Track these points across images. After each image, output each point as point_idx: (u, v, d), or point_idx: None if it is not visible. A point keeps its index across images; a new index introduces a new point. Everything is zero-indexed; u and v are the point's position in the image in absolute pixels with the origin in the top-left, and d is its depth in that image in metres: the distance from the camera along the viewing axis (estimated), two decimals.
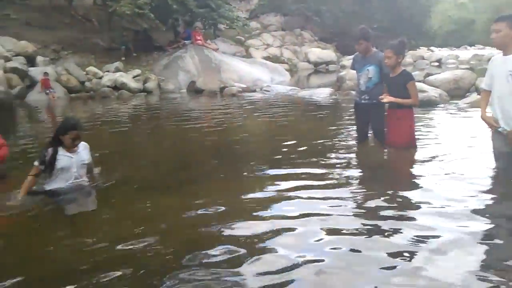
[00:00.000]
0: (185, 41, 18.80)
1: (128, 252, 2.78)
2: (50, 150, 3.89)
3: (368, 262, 2.54)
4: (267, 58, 22.83)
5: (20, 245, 3.13)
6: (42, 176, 3.97)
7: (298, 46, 27.02)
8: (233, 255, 2.67)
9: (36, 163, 3.90)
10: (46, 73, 14.80)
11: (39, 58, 16.28)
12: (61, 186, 3.94)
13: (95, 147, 4.70)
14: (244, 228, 3.10)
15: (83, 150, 4.11)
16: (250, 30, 26.10)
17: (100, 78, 16.15)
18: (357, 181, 4.26)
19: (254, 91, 15.19)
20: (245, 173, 4.64)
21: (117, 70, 16.71)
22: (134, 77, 16.55)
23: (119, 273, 2.50)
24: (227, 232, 3.04)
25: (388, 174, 4.61)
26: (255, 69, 18.80)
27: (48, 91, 14.47)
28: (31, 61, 15.92)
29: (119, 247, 2.84)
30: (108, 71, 16.63)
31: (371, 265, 2.50)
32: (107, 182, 4.39)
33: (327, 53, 26.29)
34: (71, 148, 3.98)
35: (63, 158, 3.91)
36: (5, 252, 3.03)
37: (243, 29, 23.91)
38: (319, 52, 25.96)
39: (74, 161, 3.97)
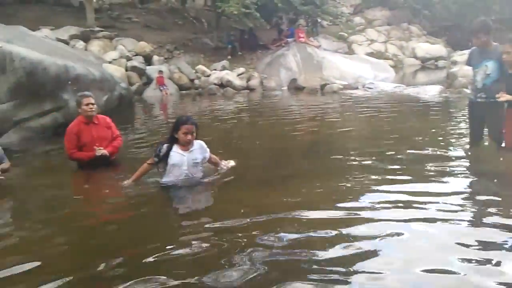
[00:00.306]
0: (288, 39, 19.02)
1: (236, 242, 2.88)
2: (165, 146, 4.04)
3: None
4: (370, 54, 22.07)
5: (130, 227, 3.43)
6: (160, 171, 4.20)
7: (404, 41, 25.63)
8: (348, 254, 2.64)
9: (153, 155, 4.16)
10: (160, 71, 16.06)
11: (155, 58, 17.70)
12: (172, 180, 4.11)
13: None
14: (352, 228, 3.03)
15: (198, 149, 4.16)
16: (354, 26, 25.45)
17: (208, 76, 17.07)
18: (467, 190, 3.89)
19: (356, 88, 14.83)
20: (346, 175, 4.44)
21: (224, 68, 17.51)
22: (238, 75, 17.22)
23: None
24: (341, 231, 2.97)
25: (505, 181, 4.16)
26: (357, 66, 18.32)
27: (162, 88, 15.69)
28: (148, 60, 17.39)
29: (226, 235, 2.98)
30: (215, 69, 17.51)
31: None
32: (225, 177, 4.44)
33: (437, 48, 24.55)
34: (186, 144, 4.06)
35: (176, 155, 4.03)
36: (118, 232, 3.34)
37: (346, 25, 23.44)
38: (427, 47, 24.36)
39: (186, 160, 4.05)
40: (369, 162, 4.84)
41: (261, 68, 18.03)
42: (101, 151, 4.86)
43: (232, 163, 4.65)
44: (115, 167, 5.15)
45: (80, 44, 16.37)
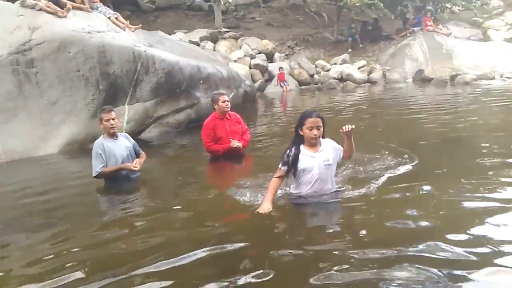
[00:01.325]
0: (414, 28, 17.98)
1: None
2: (293, 149, 3.50)
3: None
4: (510, 40, 19.67)
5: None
6: (290, 182, 3.66)
7: None
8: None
9: (280, 165, 3.54)
10: (281, 68, 16.52)
11: (277, 55, 18.25)
12: (304, 190, 3.53)
13: None
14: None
15: (328, 148, 3.54)
16: (490, 10, 22.90)
17: (328, 70, 17.05)
18: None
19: (493, 78, 13.50)
20: (475, 173, 4.15)
21: (344, 62, 17.31)
22: (359, 68, 16.88)
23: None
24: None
25: None
26: (494, 54, 16.51)
27: (282, 84, 16.14)
28: (270, 57, 18.00)
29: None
30: (335, 64, 17.41)
31: None
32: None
33: None
34: (313, 142, 3.47)
35: (305, 158, 3.46)
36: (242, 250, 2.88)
37: (481, 9, 21.23)
38: None
39: (317, 162, 3.45)
40: (501, 165, 4.42)
41: (383, 60, 17.40)
42: (237, 143, 5.30)
43: None
44: (246, 160, 5.60)
45: (209, 45, 17.62)
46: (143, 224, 3.52)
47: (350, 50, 18.45)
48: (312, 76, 17.19)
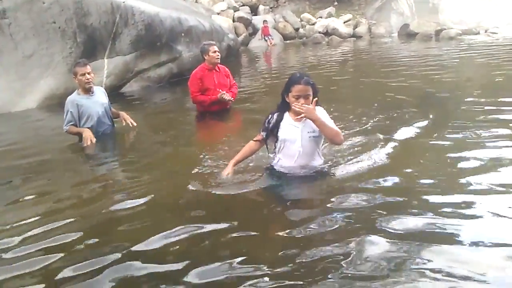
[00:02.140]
0: None
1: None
2: (275, 115, 3.05)
3: None
4: None
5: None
6: (271, 153, 3.24)
7: None
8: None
9: (260, 130, 3.12)
10: (265, 21, 16.19)
11: (261, 7, 17.83)
12: (287, 165, 3.06)
13: None
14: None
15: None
16: None
17: (313, 24, 16.78)
18: None
19: (477, 33, 13.46)
20: (460, 132, 3.98)
21: (329, 15, 17.02)
22: (345, 22, 16.65)
23: None
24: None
25: None
26: (480, 8, 16.40)
27: (266, 38, 15.86)
28: (254, 10, 17.59)
29: None
30: (320, 17, 17.10)
31: None
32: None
33: None
34: (297, 114, 2.89)
35: (287, 127, 2.99)
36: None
37: None
38: None
39: (300, 132, 2.94)
40: (486, 122, 4.41)
41: (369, 14, 17.17)
42: (226, 95, 5.23)
43: None
44: (233, 114, 5.54)
45: None
46: (118, 181, 3.52)
47: (336, 3, 18.10)
48: (297, 30, 16.92)
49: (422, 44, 12.92)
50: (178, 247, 2.29)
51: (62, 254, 2.29)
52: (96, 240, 2.43)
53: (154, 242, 2.34)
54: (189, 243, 2.33)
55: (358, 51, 12.83)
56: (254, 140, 3.15)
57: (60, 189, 3.40)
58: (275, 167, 3.15)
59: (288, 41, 16.46)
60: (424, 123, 4.33)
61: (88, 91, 4.49)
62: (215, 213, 2.71)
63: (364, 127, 4.39)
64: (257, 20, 16.79)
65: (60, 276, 2.09)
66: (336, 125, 3.02)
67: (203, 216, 2.65)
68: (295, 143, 2.98)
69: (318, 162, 3.12)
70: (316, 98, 2.88)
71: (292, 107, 2.89)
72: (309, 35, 16.35)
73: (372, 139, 3.88)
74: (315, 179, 3.06)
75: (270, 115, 3.09)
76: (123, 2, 7.75)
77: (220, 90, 5.27)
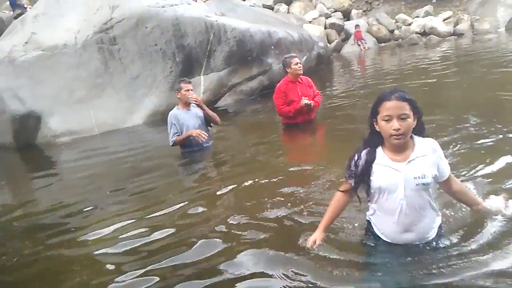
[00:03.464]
0: None
1: None
2: (363, 154, 2.15)
3: None
4: None
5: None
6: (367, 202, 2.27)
7: None
8: None
9: (346, 174, 2.25)
10: (357, 26, 15.87)
11: (354, 12, 17.52)
12: (383, 225, 2.18)
13: None
14: None
15: (425, 153, 2.07)
16: None
17: (409, 24, 16.04)
18: None
19: None
20: None
21: (427, 14, 16.14)
22: (444, 19, 15.65)
23: None
24: None
25: None
26: None
27: (359, 42, 15.53)
28: (347, 15, 17.35)
29: None
30: (417, 17, 16.30)
31: None
32: None
33: None
34: (393, 141, 2.02)
35: (382, 170, 2.09)
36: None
37: None
38: None
39: (403, 178, 2.05)
40: None
41: (472, 9, 15.91)
42: (306, 100, 5.30)
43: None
44: (318, 128, 5.60)
45: (283, 7, 17.39)
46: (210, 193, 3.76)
47: (434, 0, 17.05)
48: (392, 32, 16.32)
49: None
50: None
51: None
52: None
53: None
54: None
55: (460, 52, 11.92)
56: (340, 191, 2.32)
57: (164, 195, 3.75)
58: (371, 226, 2.26)
59: (382, 44, 15.93)
60: None
61: (187, 105, 4.90)
62: None
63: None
64: (349, 25, 16.53)
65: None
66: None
67: None
68: (395, 193, 2.07)
69: (432, 219, 2.14)
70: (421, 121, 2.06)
71: (384, 135, 2.05)
72: (405, 36, 15.64)
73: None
74: (432, 256, 2.09)
75: (356, 154, 2.19)
76: (216, 21, 8.21)
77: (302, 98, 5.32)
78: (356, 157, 2.18)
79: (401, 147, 2.06)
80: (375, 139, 2.13)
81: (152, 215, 3.30)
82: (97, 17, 7.68)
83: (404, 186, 2.05)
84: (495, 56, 9.50)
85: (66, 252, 2.93)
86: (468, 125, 4.37)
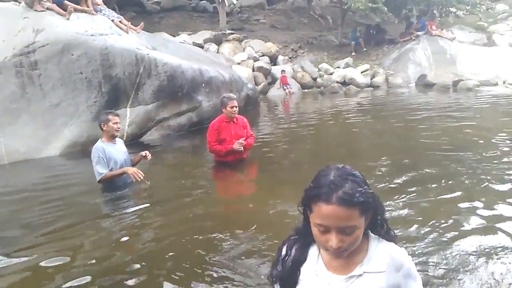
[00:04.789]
0: (418, 32, 17.95)
1: None
2: (294, 249, 1.51)
3: None
4: None
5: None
6: None
7: None
8: None
9: (268, 276, 1.60)
10: (283, 71, 16.56)
11: (280, 57, 18.29)
12: None
13: (320, 140, 5.01)
14: None
15: (378, 271, 1.37)
16: (496, 14, 22.84)
17: (331, 74, 17.08)
18: None
19: (496, 84, 13.46)
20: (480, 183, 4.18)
21: (347, 65, 17.33)
22: (362, 72, 16.90)
23: None
24: None
25: None
26: (498, 59, 16.48)
27: (285, 87, 16.16)
28: (273, 60, 18.04)
29: None
30: (338, 67, 17.42)
31: None
32: None
33: None
34: (333, 250, 1.32)
35: (315, 283, 1.43)
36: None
37: (486, 14, 21.16)
38: None
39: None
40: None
41: (387, 64, 17.40)
42: (239, 145, 5.32)
43: None
44: (249, 166, 5.64)
45: (213, 47, 17.67)
46: (143, 224, 3.56)
47: (353, 53, 18.47)
48: (315, 79, 17.23)
49: (439, 95, 12.97)
50: None
51: None
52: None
53: None
54: None
55: (376, 101, 12.91)
56: None
57: (79, 233, 3.46)
58: None
59: (306, 90, 16.72)
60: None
61: (113, 138, 4.69)
62: None
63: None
64: (276, 70, 17.18)
65: None
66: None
67: None
68: None
69: None
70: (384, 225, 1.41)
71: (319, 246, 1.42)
72: (327, 84, 16.61)
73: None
74: None
75: (284, 247, 1.53)
76: (147, 54, 8.11)
77: (235, 141, 5.39)
78: (284, 252, 1.51)
79: (343, 257, 1.38)
80: (309, 230, 1.39)
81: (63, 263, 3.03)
82: (19, 38, 7.20)
83: None
84: (406, 107, 10.42)
85: None
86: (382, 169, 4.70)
